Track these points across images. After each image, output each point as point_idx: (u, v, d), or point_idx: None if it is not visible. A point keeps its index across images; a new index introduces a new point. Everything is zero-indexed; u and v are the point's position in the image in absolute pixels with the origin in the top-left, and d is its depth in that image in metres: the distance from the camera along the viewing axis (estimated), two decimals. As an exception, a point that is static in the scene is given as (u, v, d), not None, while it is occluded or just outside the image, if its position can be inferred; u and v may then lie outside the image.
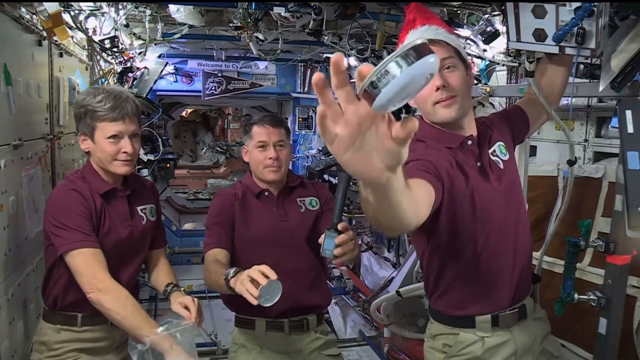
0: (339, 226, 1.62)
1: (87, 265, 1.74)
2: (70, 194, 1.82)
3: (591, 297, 1.87)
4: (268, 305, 1.57)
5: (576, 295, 1.94)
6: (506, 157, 1.67)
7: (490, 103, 2.91)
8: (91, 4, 2.58)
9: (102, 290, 1.72)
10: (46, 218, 1.83)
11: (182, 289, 1.90)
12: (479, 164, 1.59)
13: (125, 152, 1.84)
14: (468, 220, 1.56)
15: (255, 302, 1.54)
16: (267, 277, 1.55)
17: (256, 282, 1.56)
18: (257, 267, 1.60)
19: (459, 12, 2.56)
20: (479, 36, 2.53)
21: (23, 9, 2.09)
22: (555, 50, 1.65)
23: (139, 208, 1.97)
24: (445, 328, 1.71)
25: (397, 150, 0.71)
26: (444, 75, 1.53)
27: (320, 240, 1.66)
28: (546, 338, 1.79)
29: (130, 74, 4.24)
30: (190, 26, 3.06)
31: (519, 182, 1.78)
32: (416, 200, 1.08)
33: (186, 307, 1.78)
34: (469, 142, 1.60)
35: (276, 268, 2.00)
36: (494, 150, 1.64)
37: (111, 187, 1.89)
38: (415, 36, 1.57)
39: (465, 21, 2.58)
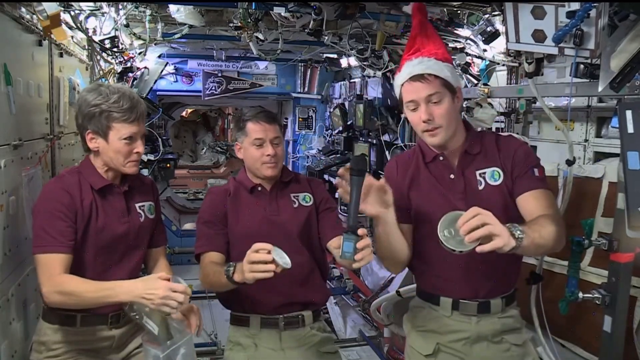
0: (359, 231, 1.63)
1: (40, 270, 1.76)
2: (52, 191, 1.82)
3: (595, 295, 1.87)
4: (289, 266, 1.65)
5: (580, 294, 1.95)
6: (495, 183, 1.76)
7: (489, 104, 2.90)
8: (91, 4, 2.59)
9: (46, 295, 1.73)
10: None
11: None
12: (452, 176, 1.80)
13: (137, 153, 1.87)
14: (420, 224, 1.82)
15: (278, 270, 1.63)
16: (267, 250, 1.64)
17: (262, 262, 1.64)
18: (250, 251, 1.66)
19: (459, 12, 2.56)
20: (479, 36, 2.53)
21: (23, 9, 2.09)
22: (554, 51, 1.65)
23: (137, 205, 1.97)
24: (419, 301, 1.94)
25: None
26: (430, 109, 1.71)
27: (337, 244, 1.67)
28: (510, 333, 1.84)
29: (130, 74, 4.25)
30: (190, 26, 3.07)
31: (502, 204, 1.74)
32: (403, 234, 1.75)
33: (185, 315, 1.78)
34: (441, 158, 1.82)
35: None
36: (484, 172, 1.78)
37: (107, 183, 1.89)
38: (408, 69, 1.75)
39: (465, 21, 2.59)
